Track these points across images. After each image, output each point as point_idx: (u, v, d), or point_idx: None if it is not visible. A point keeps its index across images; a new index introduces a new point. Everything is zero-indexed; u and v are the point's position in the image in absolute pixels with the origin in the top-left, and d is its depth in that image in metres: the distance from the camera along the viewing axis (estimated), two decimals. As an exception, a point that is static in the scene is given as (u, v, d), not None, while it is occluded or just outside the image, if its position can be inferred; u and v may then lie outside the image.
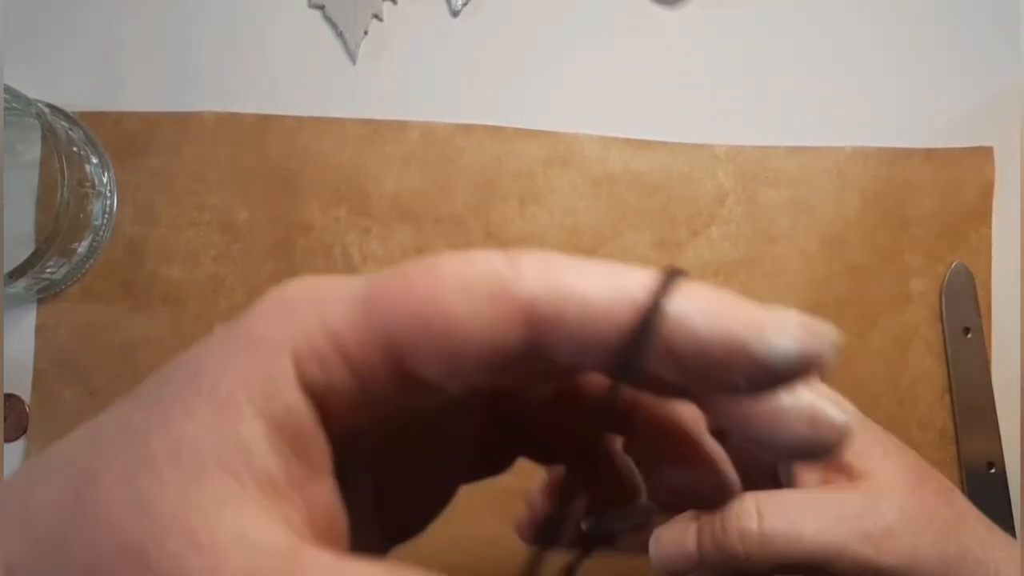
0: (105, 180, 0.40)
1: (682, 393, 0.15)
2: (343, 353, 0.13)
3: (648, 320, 0.13)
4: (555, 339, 0.13)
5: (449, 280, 0.13)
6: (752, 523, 0.28)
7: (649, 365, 0.13)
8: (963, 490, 0.41)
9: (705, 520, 0.28)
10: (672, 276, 0.14)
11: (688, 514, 0.29)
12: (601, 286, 0.14)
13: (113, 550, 0.12)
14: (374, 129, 0.42)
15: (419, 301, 0.13)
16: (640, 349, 0.13)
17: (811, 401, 0.14)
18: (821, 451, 0.14)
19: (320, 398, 0.13)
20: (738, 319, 0.13)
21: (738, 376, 0.13)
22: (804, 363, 0.13)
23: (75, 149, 0.38)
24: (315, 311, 0.14)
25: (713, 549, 0.28)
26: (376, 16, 0.43)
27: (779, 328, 0.14)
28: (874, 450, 0.31)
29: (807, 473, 0.31)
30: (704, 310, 0.13)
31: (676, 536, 0.29)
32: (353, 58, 0.43)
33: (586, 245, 0.42)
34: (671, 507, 0.25)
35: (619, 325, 0.13)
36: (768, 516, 0.28)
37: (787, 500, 0.29)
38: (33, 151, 0.40)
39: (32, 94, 0.37)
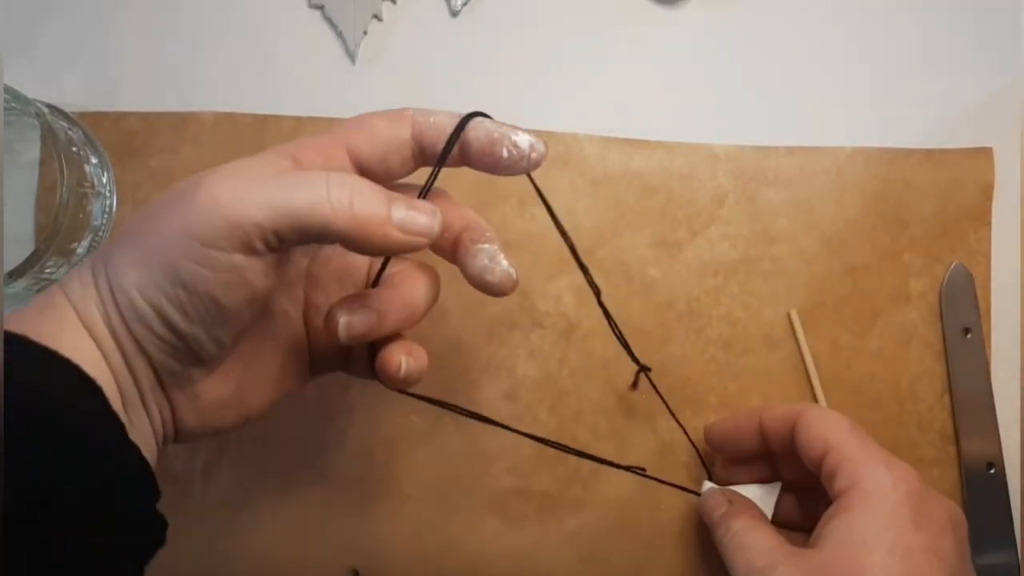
0: (104, 180, 0.40)
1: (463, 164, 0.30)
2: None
3: (462, 127, 0.29)
4: (424, 135, 0.29)
5: (371, 116, 0.29)
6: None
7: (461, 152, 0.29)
8: (962, 491, 0.41)
9: None
10: (474, 115, 0.29)
11: None
12: (445, 114, 0.29)
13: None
14: (373, 129, 0.42)
15: (358, 119, 0.29)
16: (455, 139, 0.29)
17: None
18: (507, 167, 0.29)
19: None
20: (504, 128, 0.29)
21: (502, 154, 0.29)
22: (534, 148, 0.29)
23: (74, 149, 0.38)
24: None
25: None
26: (376, 16, 0.43)
27: (521, 133, 0.29)
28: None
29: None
30: (489, 126, 0.29)
31: None
32: (352, 58, 0.43)
33: (586, 245, 0.42)
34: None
35: (449, 127, 0.29)
36: None
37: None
38: (32, 151, 0.40)
39: (31, 94, 0.37)
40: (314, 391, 0.41)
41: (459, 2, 0.43)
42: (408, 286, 0.30)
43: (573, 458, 0.41)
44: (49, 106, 0.39)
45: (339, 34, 0.43)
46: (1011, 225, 0.43)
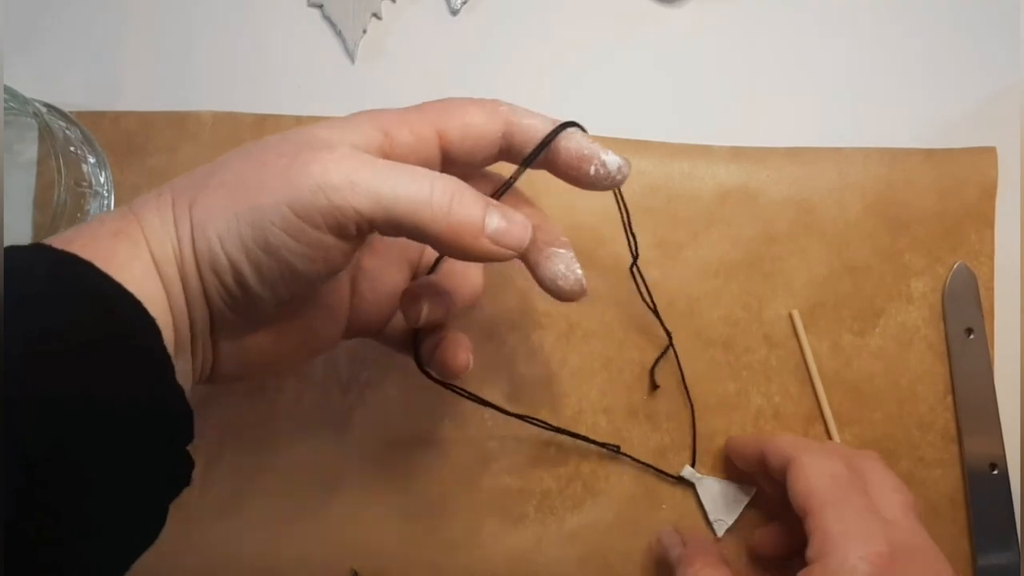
0: (102, 179, 0.40)
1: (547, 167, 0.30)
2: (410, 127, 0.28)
3: (554, 135, 0.29)
4: (515, 135, 0.29)
5: (464, 104, 0.29)
6: None
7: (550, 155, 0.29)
8: (965, 491, 0.41)
9: None
10: (568, 124, 0.29)
11: None
12: (540, 118, 0.29)
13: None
14: (373, 128, 0.42)
15: (450, 104, 0.28)
16: (546, 145, 0.29)
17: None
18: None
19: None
20: (596, 145, 0.29)
21: (589, 170, 0.29)
22: (620, 170, 0.29)
23: (72, 148, 0.38)
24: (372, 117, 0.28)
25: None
26: (375, 15, 0.43)
27: (611, 153, 0.29)
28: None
29: None
30: (581, 140, 0.29)
31: None
32: (352, 57, 0.43)
33: (586, 245, 0.42)
34: None
35: (541, 133, 0.29)
36: None
37: None
38: (30, 151, 0.40)
39: (29, 93, 0.37)
40: (313, 391, 0.41)
41: (458, 1, 0.43)
42: (470, 273, 0.33)
43: (573, 458, 0.41)
44: (47, 105, 0.39)
45: (338, 33, 0.43)
46: (1014, 225, 0.43)
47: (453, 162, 0.29)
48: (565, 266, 0.30)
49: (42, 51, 0.42)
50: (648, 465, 0.41)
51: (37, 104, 0.37)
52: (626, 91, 0.43)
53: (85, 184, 0.39)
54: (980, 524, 0.41)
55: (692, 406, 0.41)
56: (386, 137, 0.27)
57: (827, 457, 0.35)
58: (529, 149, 0.29)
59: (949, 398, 0.42)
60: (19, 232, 0.39)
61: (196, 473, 0.41)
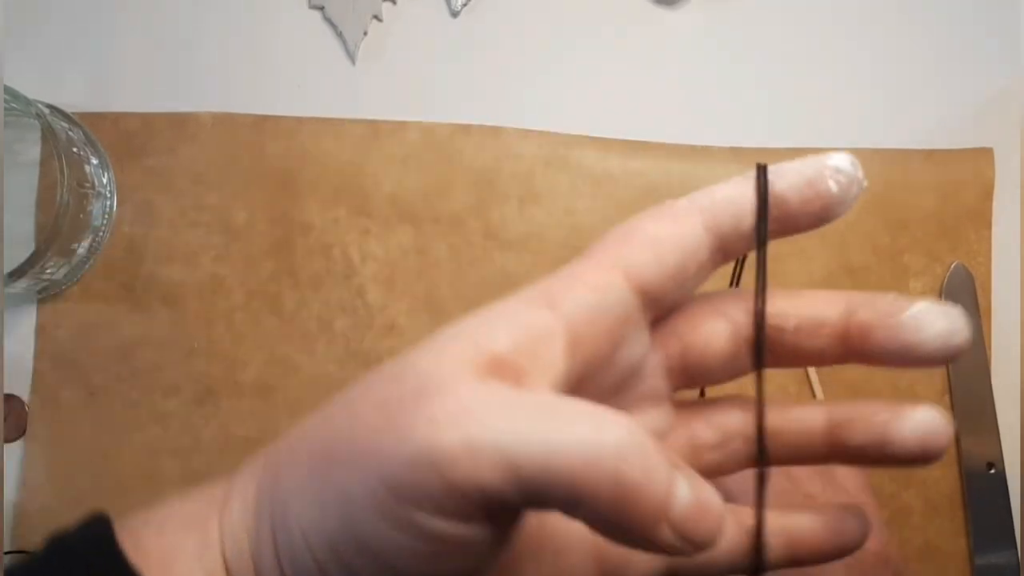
0: (105, 180, 0.40)
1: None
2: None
3: (764, 179, 0.21)
4: (718, 218, 0.21)
5: (640, 224, 0.21)
6: None
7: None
8: (963, 492, 0.41)
9: None
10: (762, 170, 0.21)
11: None
12: (726, 185, 0.22)
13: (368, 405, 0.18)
14: (373, 129, 0.42)
15: (620, 232, 0.21)
16: (766, 197, 0.21)
17: None
18: None
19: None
20: (809, 160, 0.21)
21: (830, 188, 0.21)
22: (854, 164, 0.21)
23: (75, 149, 0.38)
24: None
25: None
26: (376, 17, 0.43)
27: (832, 155, 0.21)
28: None
29: None
30: (795, 165, 0.21)
31: None
32: (352, 58, 0.43)
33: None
34: None
35: (743, 196, 0.21)
36: None
37: None
38: (33, 151, 0.40)
39: (31, 94, 0.37)
40: (312, 391, 0.41)
41: (459, 2, 0.43)
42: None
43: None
44: (49, 106, 0.39)
45: (339, 34, 0.43)
46: (1011, 225, 0.43)
47: (661, 301, 0.20)
48: (943, 318, 0.19)
49: (44, 52, 0.42)
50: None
51: (40, 105, 0.37)
52: (626, 92, 0.43)
53: (88, 185, 0.39)
54: (978, 524, 0.41)
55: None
56: (551, 309, 0.19)
57: None
58: (744, 227, 0.21)
59: (946, 398, 0.42)
60: (21, 233, 0.39)
61: (196, 474, 0.41)
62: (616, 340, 0.20)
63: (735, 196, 0.21)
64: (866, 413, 0.21)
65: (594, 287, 0.19)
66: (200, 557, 0.19)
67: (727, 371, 0.21)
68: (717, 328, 0.21)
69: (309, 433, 0.19)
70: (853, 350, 0.20)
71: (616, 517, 0.16)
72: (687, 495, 0.16)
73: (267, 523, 0.19)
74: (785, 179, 0.21)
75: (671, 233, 0.20)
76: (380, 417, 0.17)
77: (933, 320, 0.19)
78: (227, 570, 0.19)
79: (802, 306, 0.22)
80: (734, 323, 0.21)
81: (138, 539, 0.20)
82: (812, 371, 0.42)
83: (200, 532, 0.20)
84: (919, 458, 0.20)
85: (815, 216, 0.21)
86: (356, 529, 0.17)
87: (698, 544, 0.16)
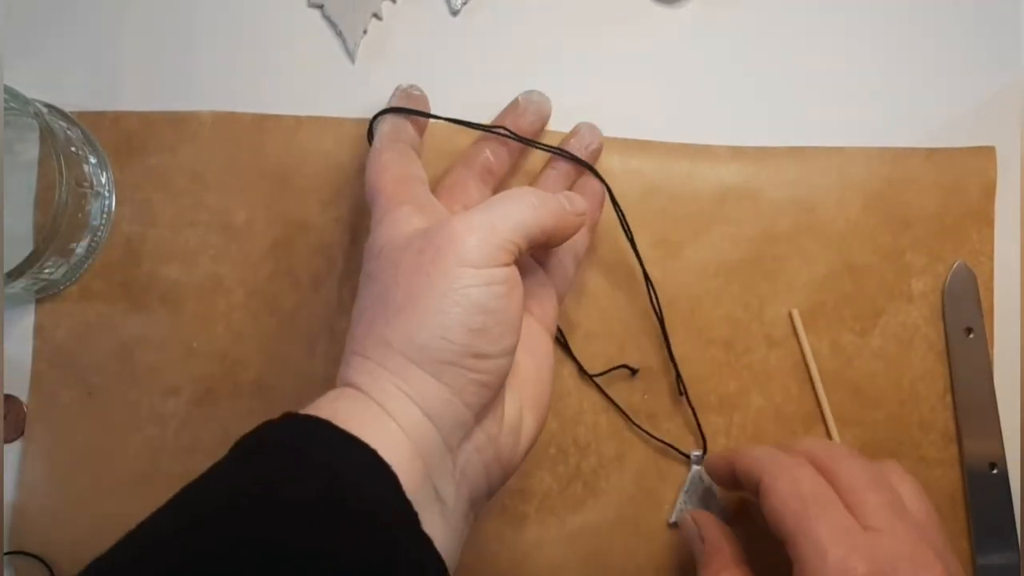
0: (103, 180, 0.40)
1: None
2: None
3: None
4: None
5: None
6: None
7: None
8: (965, 491, 0.41)
9: None
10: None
11: None
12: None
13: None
14: (373, 128, 0.42)
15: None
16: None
17: None
18: None
19: None
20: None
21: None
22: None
23: (73, 149, 0.38)
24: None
25: None
26: (375, 15, 0.43)
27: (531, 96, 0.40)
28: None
29: None
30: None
31: None
32: (352, 57, 0.43)
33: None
34: None
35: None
36: None
37: None
38: (31, 151, 0.40)
39: (30, 94, 0.37)
40: (311, 391, 0.41)
41: (459, 1, 0.43)
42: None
43: (574, 457, 0.41)
44: (48, 106, 0.39)
45: (339, 33, 0.43)
46: (1013, 224, 0.43)
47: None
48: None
49: (43, 52, 0.42)
50: (662, 441, 0.41)
51: (38, 104, 0.37)
52: (626, 91, 0.43)
53: (86, 184, 0.39)
54: (980, 524, 0.41)
55: (687, 396, 0.41)
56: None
57: (794, 473, 0.33)
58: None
59: (949, 398, 0.42)
60: (20, 233, 0.39)
61: (196, 473, 0.41)
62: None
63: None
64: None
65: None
66: (363, 413, 0.28)
67: None
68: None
69: (379, 304, 0.30)
70: None
71: (563, 233, 0.33)
72: (574, 203, 0.34)
73: (401, 361, 0.28)
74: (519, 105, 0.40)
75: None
76: (430, 251, 0.29)
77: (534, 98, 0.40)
78: (390, 416, 0.28)
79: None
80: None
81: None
82: (815, 373, 0.41)
83: (354, 402, 0.28)
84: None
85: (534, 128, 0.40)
86: (468, 298, 0.28)
87: (582, 212, 0.34)
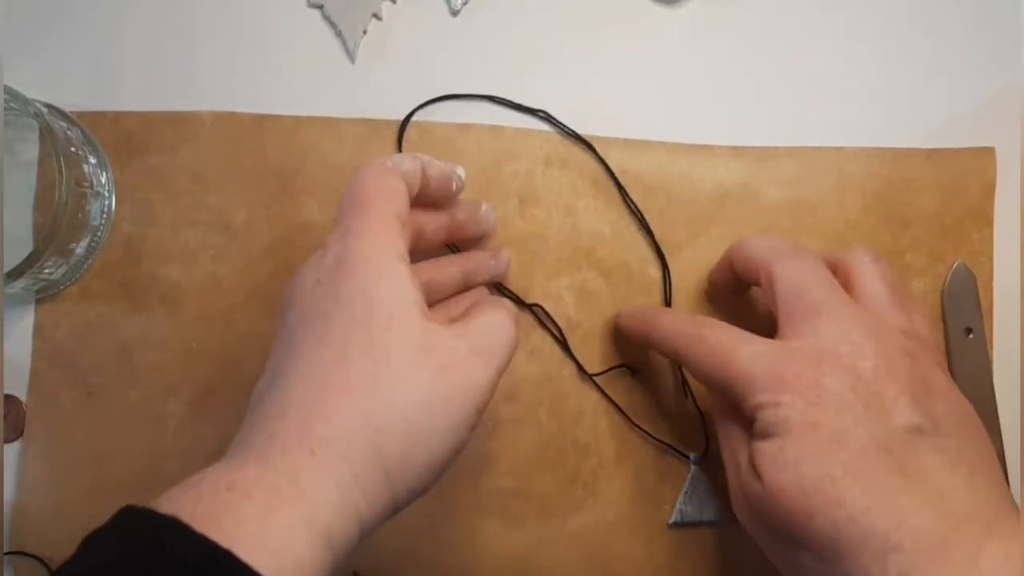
0: (103, 180, 0.40)
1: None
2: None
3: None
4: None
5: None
6: None
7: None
8: (965, 491, 0.41)
9: None
10: None
11: None
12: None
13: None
14: (373, 128, 0.42)
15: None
16: None
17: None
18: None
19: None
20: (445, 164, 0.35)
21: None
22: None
23: (73, 149, 0.38)
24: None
25: None
26: (375, 15, 0.43)
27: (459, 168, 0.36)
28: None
29: None
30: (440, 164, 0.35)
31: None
32: (352, 57, 0.43)
33: (585, 245, 0.42)
34: None
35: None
36: None
37: None
38: (31, 151, 0.40)
39: (30, 93, 0.37)
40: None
41: (459, 2, 0.43)
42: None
43: (574, 459, 0.41)
44: (48, 106, 0.39)
45: (338, 33, 0.43)
46: (1013, 225, 0.43)
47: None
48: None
49: (42, 51, 0.42)
50: (662, 441, 0.41)
51: (38, 104, 0.37)
52: (626, 91, 0.43)
53: (86, 184, 0.39)
54: (980, 524, 0.41)
55: (693, 397, 0.41)
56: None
57: (804, 257, 0.33)
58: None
59: (949, 398, 0.42)
60: (20, 233, 0.39)
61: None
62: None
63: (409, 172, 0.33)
64: (480, 258, 0.39)
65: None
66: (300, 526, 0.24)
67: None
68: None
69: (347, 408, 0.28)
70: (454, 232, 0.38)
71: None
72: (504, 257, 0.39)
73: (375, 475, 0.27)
74: (433, 168, 0.34)
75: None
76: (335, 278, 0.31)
77: (490, 216, 0.39)
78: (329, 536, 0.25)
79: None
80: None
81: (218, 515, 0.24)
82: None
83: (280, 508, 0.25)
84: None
85: (440, 195, 0.35)
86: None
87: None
